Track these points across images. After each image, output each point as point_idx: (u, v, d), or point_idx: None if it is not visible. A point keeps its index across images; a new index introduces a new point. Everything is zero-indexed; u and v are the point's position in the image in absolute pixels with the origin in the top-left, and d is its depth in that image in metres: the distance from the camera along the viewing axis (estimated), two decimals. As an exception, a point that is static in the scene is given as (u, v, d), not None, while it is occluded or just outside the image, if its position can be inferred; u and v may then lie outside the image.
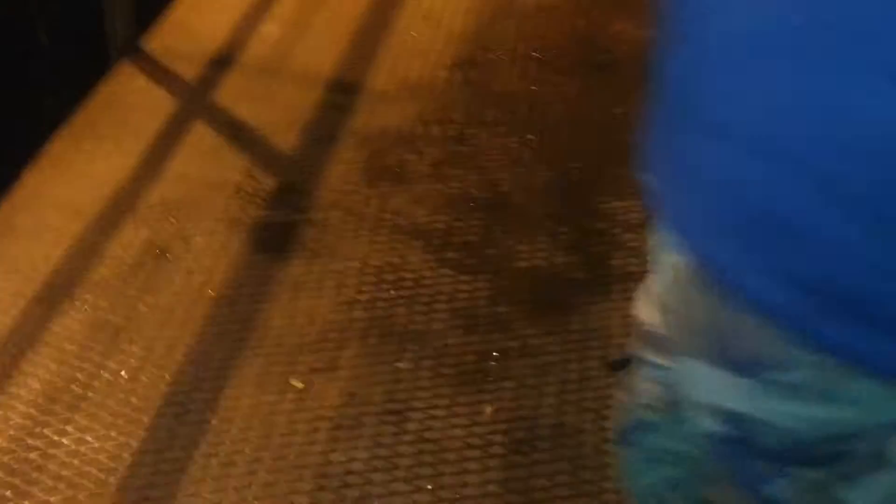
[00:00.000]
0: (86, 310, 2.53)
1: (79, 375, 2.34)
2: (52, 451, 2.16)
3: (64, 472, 2.11)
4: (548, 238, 2.82)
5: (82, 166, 3.14)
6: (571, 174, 3.11)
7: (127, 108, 3.46)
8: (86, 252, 2.74)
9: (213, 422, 2.23)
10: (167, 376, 2.34)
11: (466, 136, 3.31)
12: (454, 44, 3.88)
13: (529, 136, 3.29)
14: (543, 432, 2.21)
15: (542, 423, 2.24)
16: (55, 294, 2.58)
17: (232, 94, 3.57)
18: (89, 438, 2.19)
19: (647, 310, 1.26)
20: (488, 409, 2.26)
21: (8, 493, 2.07)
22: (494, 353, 2.42)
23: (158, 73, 3.69)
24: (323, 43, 3.92)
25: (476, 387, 2.33)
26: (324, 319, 2.52)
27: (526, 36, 3.94)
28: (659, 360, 1.26)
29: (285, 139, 3.30)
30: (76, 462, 2.13)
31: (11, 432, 2.20)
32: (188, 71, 3.72)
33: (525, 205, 2.97)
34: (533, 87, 3.58)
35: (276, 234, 2.84)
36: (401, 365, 2.38)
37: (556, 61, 3.76)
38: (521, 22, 4.04)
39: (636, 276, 2.64)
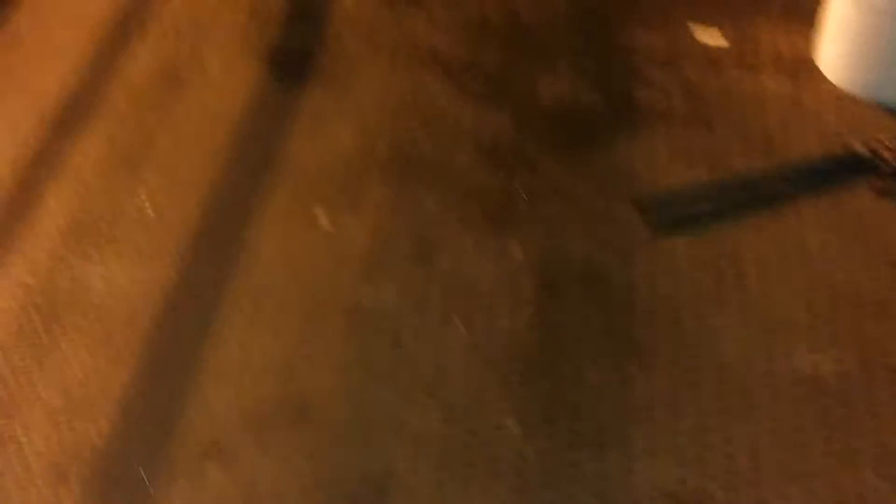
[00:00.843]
0: (104, 138, 2.47)
1: (104, 209, 2.30)
2: (82, 287, 2.14)
3: (96, 308, 2.10)
4: (570, 71, 2.74)
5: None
6: (594, 2, 3.01)
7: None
8: (98, 74, 2.66)
9: (242, 257, 2.21)
10: (193, 210, 2.31)
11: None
12: None
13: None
14: (572, 273, 2.21)
15: (569, 264, 2.23)
16: (71, 118, 2.51)
17: None
18: (119, 274, 2.17)
19: None
20: (517, 250, 2.25)
21: (42, 335, 2.05)
22: (521, 192, 2.39)
23: None
24: None
25: (503, 225, 2.30)
26: (346, 151, 2.47)
27: None
28: None
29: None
30: (108, 298, 2.12)
31: (41, 268, 2.18)
32: None
33: (546, 35, 2.88)
34: None
35: (292, 60, 2.75)
36: (427, 201, 2.35)
37: None
38: None
39: (660, 113, 2.61)
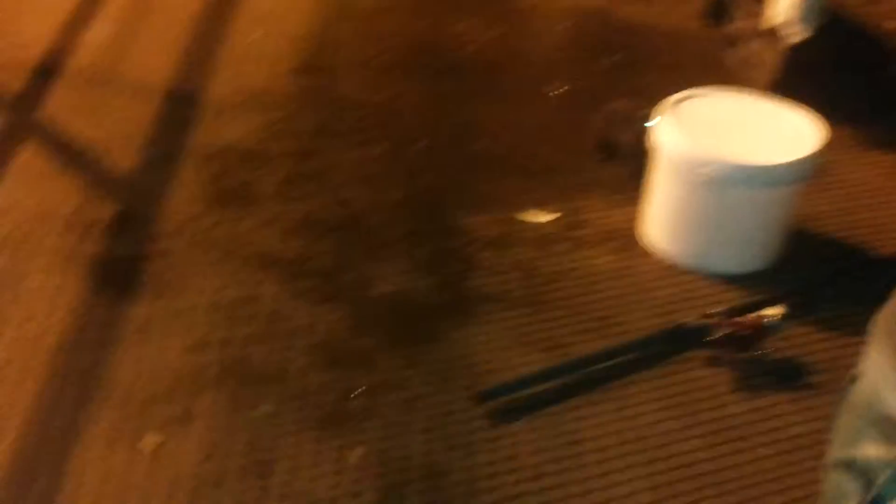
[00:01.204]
0: None
1: None
2: None
3: None
4: (404, 260, 2.75)
5: None
6: (423, 188, 3.05)
7: (-59, 131, 3.24)
8: None
9: (64, 489, 2.08)
10: (6, 443, 2.18)
11: (313, 150, 3.21)
12: (294, 49, 3.77)
13: (378, 148, 3.22)
14: (413, 475, 2.15)
15: (410, 464, 2.17)
16: None
17: (60, 110, 3.37)
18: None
19: None
20: (355, 454, 2.18)
21: None
22: (357, 392, 2.34)
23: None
24: (156, 49, 3.74)
25: (341, 429, 2.24)
26: (175, 365, 2.39)
27: (367, 38, 3.86)
28: None
29: (121, 159, 3.13)
30: None
31: None
32: (9, 84, 3.49)
33: (378, 224, 2.89)
34: (380, 94, 3.51)
35: (117, 270, 2.68)
36: (260, 411, 2.28)
37: (400, 65, 3.69)
38: (359, 25, 3.96)
39: (495, 298, 2.62)
